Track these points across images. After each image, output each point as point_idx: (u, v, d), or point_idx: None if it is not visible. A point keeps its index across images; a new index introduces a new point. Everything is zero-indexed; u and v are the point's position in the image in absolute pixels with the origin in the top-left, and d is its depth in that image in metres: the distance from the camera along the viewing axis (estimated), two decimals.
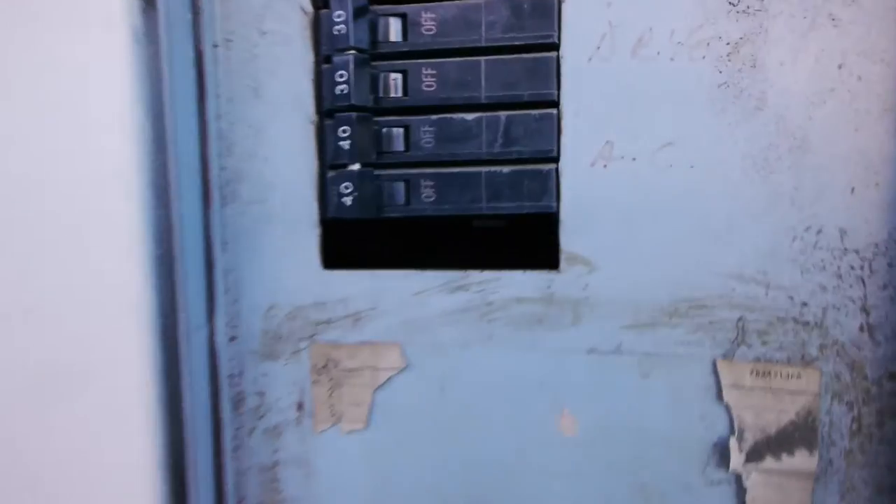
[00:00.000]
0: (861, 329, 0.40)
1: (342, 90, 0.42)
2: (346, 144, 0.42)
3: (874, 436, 0.40)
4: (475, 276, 0.44)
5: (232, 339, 0.48)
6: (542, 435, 0.44)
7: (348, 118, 0.42)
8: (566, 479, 0.44)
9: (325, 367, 0.47)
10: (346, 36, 0.41)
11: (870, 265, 0.39)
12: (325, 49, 0.43)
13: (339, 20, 0.41)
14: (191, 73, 0.45)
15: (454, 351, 0.45)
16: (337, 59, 0.42)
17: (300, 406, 0.48)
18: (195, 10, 0.44)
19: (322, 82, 0.44)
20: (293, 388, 0.48)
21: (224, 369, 0.48)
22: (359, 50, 0.42)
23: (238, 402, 0.48)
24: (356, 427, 0.47)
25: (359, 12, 0.42)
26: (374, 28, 0.43)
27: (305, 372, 0.47)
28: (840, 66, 0.38)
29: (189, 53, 0.44)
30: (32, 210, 0.42)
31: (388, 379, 0.46)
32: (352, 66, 0.42)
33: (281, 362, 0.48)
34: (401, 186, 0.44)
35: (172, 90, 0.43)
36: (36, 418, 0.44)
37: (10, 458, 0.44)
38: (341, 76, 0.42)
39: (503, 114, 0.42)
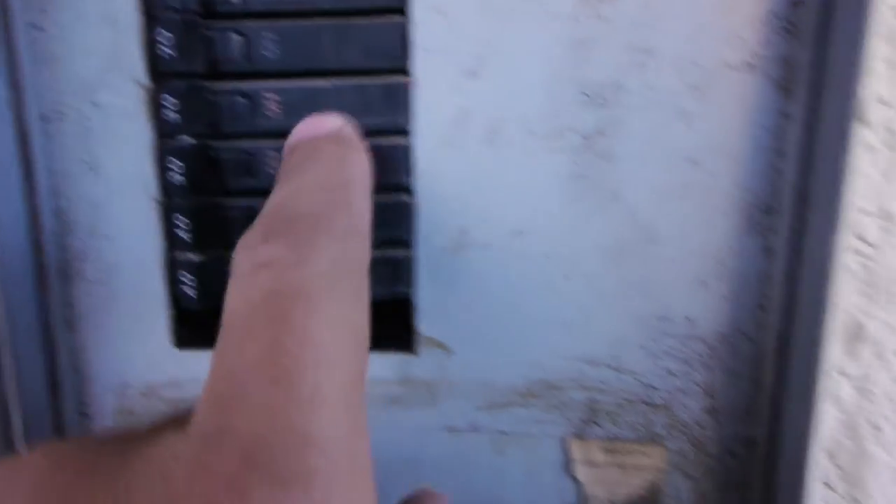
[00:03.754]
0: (705, 411, 0.37)
1: (177, 179, 0.35)
2: (184, 234, 0.36)
3: None
4: None
5: (83, 414, 0.41)
6: None
7: (184, 206, 0.35)
8: None
9: None
10: (181, 125, 0.34)
11: (715, 352, 0.36)
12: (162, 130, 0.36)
13: (170, 106, 0.34)
14: (14, 151, 0.37)
15: None
16: (169, 144, 0.35)
17: None
18: (15, 86, 0.36)
19: (162, 162, 0.37)
20: None
21: None
22: (195, 136, 0.35)
23: None
24: None
25: (193, 92, 0.34)
26: (215, 109, 0.35)
27: None
28: (691, 161, 0.34)
29: (9, 131, 0.36)
30: None
31: None
32: (186, 152, 0.35)
33: None
34: None
35: None
36: None
37: None
38: (176, 165, 0.35)
39: None
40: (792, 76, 0.32)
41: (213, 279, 0.37)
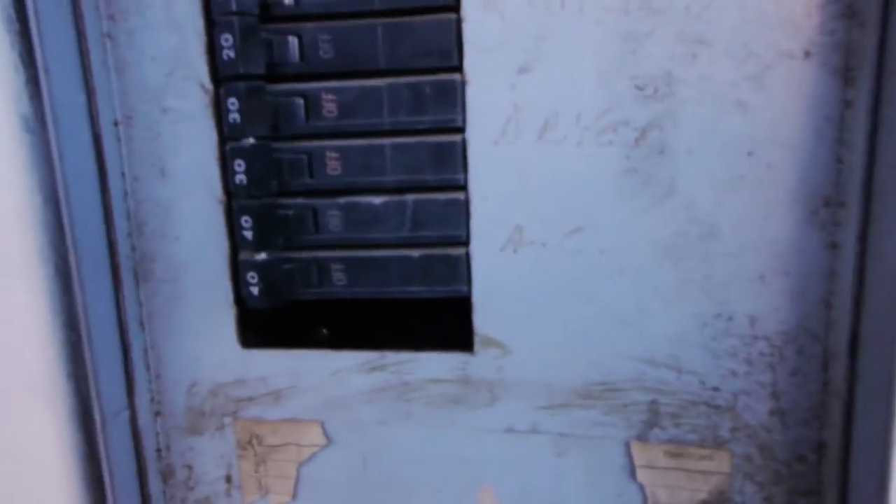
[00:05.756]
0: (771, 413, 0.38)
1: (240, 180, 0.38)
2: (248, 234, 0.39)
3: None
4: (391, 356, 0.42)
5: (157, 414, 0.45)
6: None
7: (247, 206, 0.39)
8: None
9: (249, 442, 0.44)
10: (241, 126, 0.38)
11: (780, 352, 0.37)
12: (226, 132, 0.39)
13: (232, 108, 0.37)
14: (89, 154, 0.41)
15: (374, 429, 0.43)
16: (232, 146, 0.38)
17: (228, 479, 0.46)
18: (88, 91, 0.40)
19: (226, 164, 0.40)
20: (220, 461, 0.45)
21: (150, 444, 0.45)
22: (257, 137, 0.38)
23: (167, 474, 0.46)
24: (284, 500, 0.45)
25: (254, 94, 0.38)
26: (274, 110, 0.39)
27: (231, 446, 0.45)
28: (749, 154, 0.35)
29: (85, 135, 0.41)
30: None
31: (312, 454, 0.44)
32: (248, 152, 0.38)
33: (206, 437, 0.45)
34: (311, 271, 0.41)
35: (68, 174, 0.39)
36: None
37: None
38: (239, 165, 0.38)
39: (410, 197, 0.39)
40: (853, 63, 0.32)
41: (276, 278, 0.40)
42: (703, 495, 0.39)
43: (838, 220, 0.34)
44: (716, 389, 0.38)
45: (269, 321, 0.43)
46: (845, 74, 0.33)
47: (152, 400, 0.46)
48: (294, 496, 0.44)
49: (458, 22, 0.36)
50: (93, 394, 0.42)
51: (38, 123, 0.38)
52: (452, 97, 0.37)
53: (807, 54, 0.33)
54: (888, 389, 0.32)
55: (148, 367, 0.45)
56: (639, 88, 0.35)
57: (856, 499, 0.35)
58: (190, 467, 0.46)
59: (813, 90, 0.33)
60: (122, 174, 0.42)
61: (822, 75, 0.33)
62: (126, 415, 0.44)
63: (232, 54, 0.36)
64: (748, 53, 0.34)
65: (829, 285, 0.35)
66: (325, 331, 0.44)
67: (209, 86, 0.40)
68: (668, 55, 0.34)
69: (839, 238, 0.35)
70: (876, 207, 0.32)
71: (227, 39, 0.36)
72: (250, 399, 0.44)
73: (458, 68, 0.37)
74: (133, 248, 0.43)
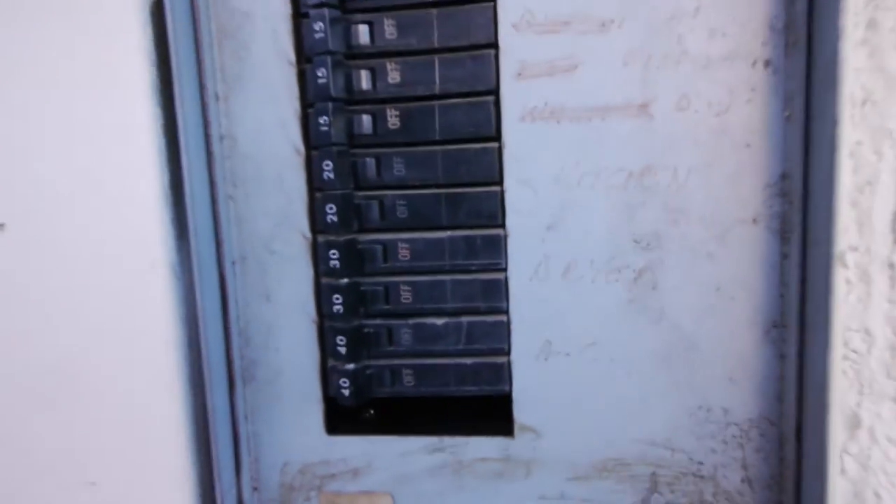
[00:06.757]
0: (742, 481, 0.50)
1: (337, 309, 0.51)
2: (342, 349, 0.52)
3: None
4: (448, 440, 0.54)
5: (255, 489, 0.58)
6: None
7: (341, 328, 0.52)
8: None
9: None
10: (339, 270, 0.51)
11: (747, 434, 0.50)
12: (321, 270, 0.53)
13: (333, 257, 0.51)
14: (216, 289, 0.54)
15: (435, 499, 0.55)
16: (330, 283, 0.52)
17: None
18: (217, 242, 0.53)
19: (321, 296, 0.53)
20: None
21: None
22: (349, 276, 0.52)
23: None
24: None
25: (349, 246, 0.51)
26: (360, 254, 0.52)
27: None
28: (718, 289, 0.49)
29: (213, 274, 0.54)
30: (91, 408, 0.51)
31: None
32: (343, 289, 0.51)
33: None
34: (386, 375, 0.53)
35: (203, 306, 0.52)
36: None
37: None
38: (336, 299, 0.51)
39: (465, 319, 0.52)
40: (787, 228, 0.47)
41: (362, 381, 0.53)
42: None
43: (784, 338, 0.48)
44: (700, 463, 0.51)
45: (350, 413, 0.56)
46: (782, 235, 0.47)
47: (252, 478, 0.58)
48: None
49: (502, 193, 0.50)
50: (215, 477, 0.54)
51: (183, 270, 0.51)
52: (497, 246, 0.51)
53: (755, 221, 0.47)
54: (822, 465, 0.45)
55: (249, 452, 0.57)
56: (636, 242, 0.49)
57: None
58: None
59: (760, 246, 0.48)
60: (236, 301, 0.55)
61: (766, 236, 0.47)
62: (234, 492, 0.56)
63: (335, 219, 0.50)
64: (714, 220, 0.48)
65: (780, 385, 0.49)
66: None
67: (308, 235, 0.53)
68: (656, 219, 0.49)
69: (785, 351, 0.48)
70: (808, 331, 0.46)
71: (331, 208, 0.50)
72: (333, 476, 0.56)
73: (502, 225, 0.51)
74: (241, 357, 0.56)
